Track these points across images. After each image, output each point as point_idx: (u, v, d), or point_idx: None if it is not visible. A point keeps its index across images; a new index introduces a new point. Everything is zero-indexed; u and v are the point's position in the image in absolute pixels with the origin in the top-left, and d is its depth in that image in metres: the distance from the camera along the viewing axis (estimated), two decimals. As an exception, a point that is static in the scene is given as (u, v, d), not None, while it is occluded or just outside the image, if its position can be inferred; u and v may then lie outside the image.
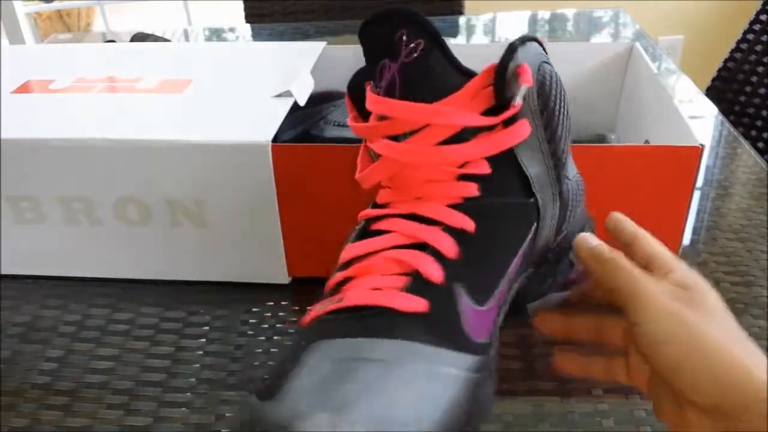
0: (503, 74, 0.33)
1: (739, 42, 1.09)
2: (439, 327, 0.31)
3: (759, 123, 1.07)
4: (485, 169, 0.34)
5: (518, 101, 0.33)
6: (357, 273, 0.33)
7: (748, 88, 1.09)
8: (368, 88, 0.36)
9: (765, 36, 1.06)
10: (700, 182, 0.68)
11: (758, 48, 1.06)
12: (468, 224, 0.33)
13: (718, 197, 0.66)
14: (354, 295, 0.32)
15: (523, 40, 0.34)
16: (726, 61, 1.11)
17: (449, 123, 0.33)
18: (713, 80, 1.13)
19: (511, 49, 0.34)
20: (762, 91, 1.07)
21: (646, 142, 0.59)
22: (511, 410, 0.44)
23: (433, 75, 0.34)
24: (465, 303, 0.32)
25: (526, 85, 0.33)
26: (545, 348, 0.48)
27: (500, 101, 0.34)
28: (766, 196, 0.65)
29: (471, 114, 0.34)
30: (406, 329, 0.30)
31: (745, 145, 0.74)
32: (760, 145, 1.07)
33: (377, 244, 0.34)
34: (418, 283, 0.32)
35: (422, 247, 0.33)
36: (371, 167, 0.36)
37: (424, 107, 0.33)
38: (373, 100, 0.35)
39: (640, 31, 1.07)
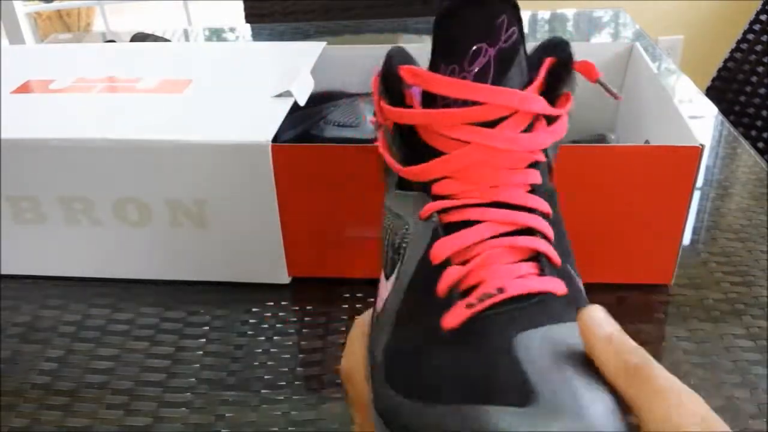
0: (566, 67, 0.34)
1: (739, 42, 1.09)
2: (576, 306, 0.30)
3: (759, 123, 1.07)
4: (543, 157, 0.35)
5: (619, 93, 0.35)
6: (478, 265, 0.31)
7: (748, 88, 1.09)
8: (428, 73, 0.33)
9: (765, 36, 1.06)
10: (700, 182, 0.68)
11: (758, 48, 1.06)
12: (547, 208, 0.34)
13: (718, 197, 0.66)
14: (511, 286, 0.30)
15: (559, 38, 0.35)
16: (726, 61, 1.11)
17: (536, 111, 0.33)
18: (713, 80, 1.13)
19: (567, 45, 0.35)
20: (762, 91, 1.07)
21: (646, 142, 0.59)
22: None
23: (518, 62, 0.33)
24: (578, 281, 0.33)
25: (596, 78, 0.35)
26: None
27: (552, 93, 0.35)
28: (766, 196, 0.65)
29: (545, 103, 0.34)
30: (567, 312, 0.30)
31: (745, 145, 0.74)
32: (760, 145, 1.07)
33: (477, 234, 0.32)
34: (548, 267, 0.32)
35: (526, 232, 0.32)
36: (446, 157, 0.33)
37: (523, 94, 0.33)
38: (458, 85, 0.32)
39: (640, 31, 1.07)
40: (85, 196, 0.53)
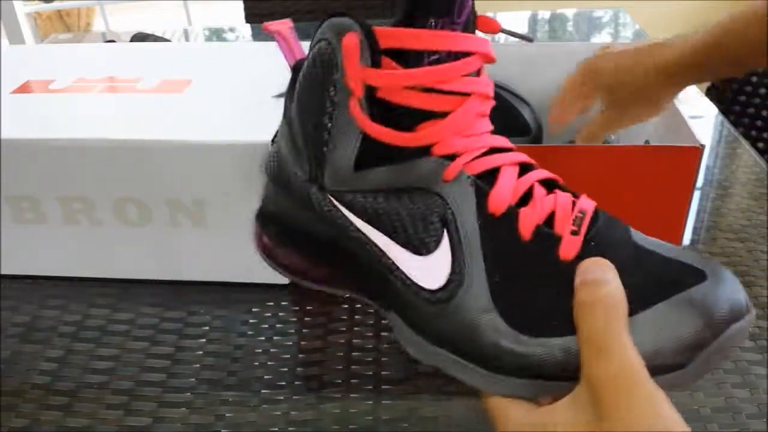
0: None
1: (739, 42, 1.08)
2: None
3: (759, 123, 1.07)
4: None
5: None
6: (540, 201, 0.33)
7: (748, 88, 1.09)
8: (424, 31, 0.31)
9: (765, 36, 1.05)
10: (700, 182, 0.68)
11: (758, 48, 1.06)
12: (507, 141, 0.35)
13: (718, 197, 0.66)
14: (582, 206, 0.33)
15: None
16: (726, 61, 1.10)
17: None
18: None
19: None
20: (762, 91, 1.07)
21: (646, 142, 0.59)
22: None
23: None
24: None
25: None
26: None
27: None
28: (766, 196, 0.65)
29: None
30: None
31: (745, 145, 0.74)
32: (760, 145, 1.07)
33: (512, 177, 0.33)
34: (560, 185, 0.35)
35: (527, 167, 0.34)
36: (454, 115, 0.32)
37: (486, 39, 0.33)
38: (459, 38, 0.32)
39: (640, 31, 1.07)
40: (85, 196, 0.53)
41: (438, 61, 0.32)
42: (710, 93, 1.12)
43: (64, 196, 0.53)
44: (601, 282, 0.30)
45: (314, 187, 0.35)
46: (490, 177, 0.33)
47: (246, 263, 0.55)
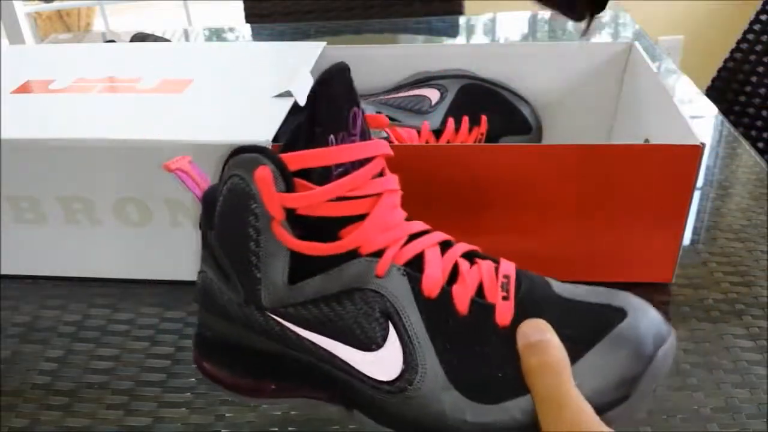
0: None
1: (739, 42, 1.09)
2: None
3: (759, 123, 1.08)
4: None
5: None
6: (467, 275, 0.35)
7: (748, 88, 1.09)
8: (326, 150, 0.34)
9: (765, 36, 1.06)
10: (700, 182, 0.68)
11: (758, 48, 1.06)
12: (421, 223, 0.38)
13: (718, 197, 0.66)
14: (504, 269, 0.36)
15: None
16: (726, 61, 1.11)
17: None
18: (713, 80, 1.13)
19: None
20: (762, 91, 1.07)
21: (646, 140, 0.59)
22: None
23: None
24: None
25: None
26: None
27: None
28: (766, 196, 0.65)
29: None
30: None
31: (745, 145, 0.74)
32: (760, 145, 1.07)
33: (436, 259, 0.35)
34: (479, 254, 0.38)
35: (445, 243, 0.37)
36: (372, 216, 0.34)
37: (384, 141, 0.37)
38: (361, 148, 0.35)
39: (640, 31, 1.07)
40: (85, 196, 0.53)
41: (345, 171, 0.34)
42: (710, 93, 1.12)
43: (64, 196, 0.53)
44: (544, 345, 0.33)
45: (251, 308, 0.36)
46: (417, 263, 0.35)
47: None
